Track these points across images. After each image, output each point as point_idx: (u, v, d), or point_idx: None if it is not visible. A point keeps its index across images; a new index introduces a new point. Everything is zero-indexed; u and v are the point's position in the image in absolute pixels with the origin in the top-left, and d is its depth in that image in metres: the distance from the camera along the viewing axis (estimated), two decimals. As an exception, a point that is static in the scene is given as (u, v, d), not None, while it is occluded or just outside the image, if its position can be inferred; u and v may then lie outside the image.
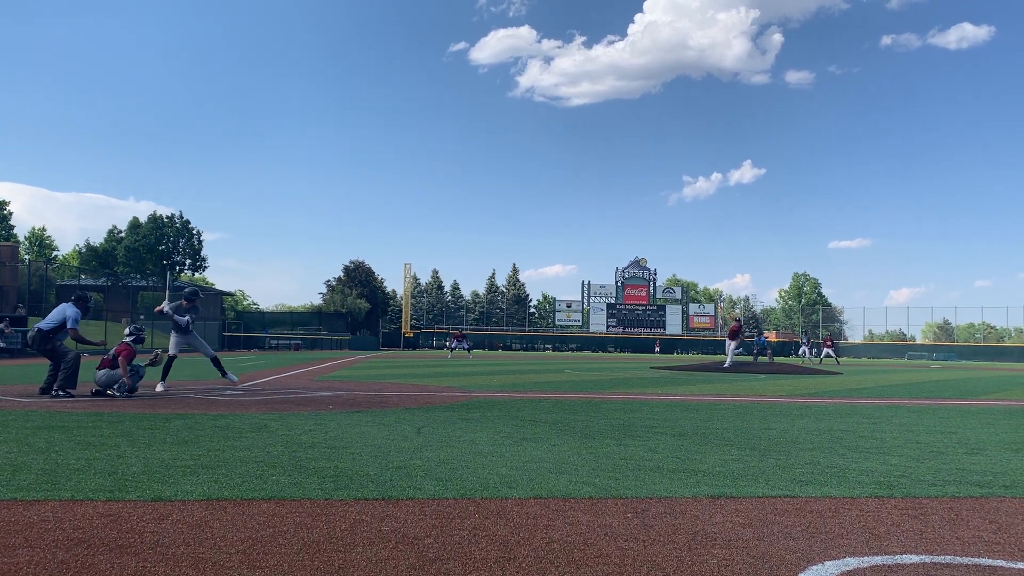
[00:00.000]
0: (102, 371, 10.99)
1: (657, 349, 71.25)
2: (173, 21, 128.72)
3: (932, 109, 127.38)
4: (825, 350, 42.59)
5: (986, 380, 21.78)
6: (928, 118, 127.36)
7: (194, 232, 70.25)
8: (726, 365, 26.25)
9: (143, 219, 69.07)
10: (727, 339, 28.79)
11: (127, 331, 11.62)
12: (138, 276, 64.40)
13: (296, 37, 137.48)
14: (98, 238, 74.30)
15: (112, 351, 11.33)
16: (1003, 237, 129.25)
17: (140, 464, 5.19)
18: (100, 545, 3.29)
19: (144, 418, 7.98)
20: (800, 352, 43.77)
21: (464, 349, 43.12)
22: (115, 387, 10.71)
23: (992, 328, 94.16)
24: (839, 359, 35.15)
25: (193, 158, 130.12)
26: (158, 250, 67.66)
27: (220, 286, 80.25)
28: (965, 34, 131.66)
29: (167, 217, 69.31)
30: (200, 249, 70.90)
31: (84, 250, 72.28)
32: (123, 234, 69.39)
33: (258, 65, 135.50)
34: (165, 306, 12.90)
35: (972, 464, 5.91)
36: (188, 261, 70.56)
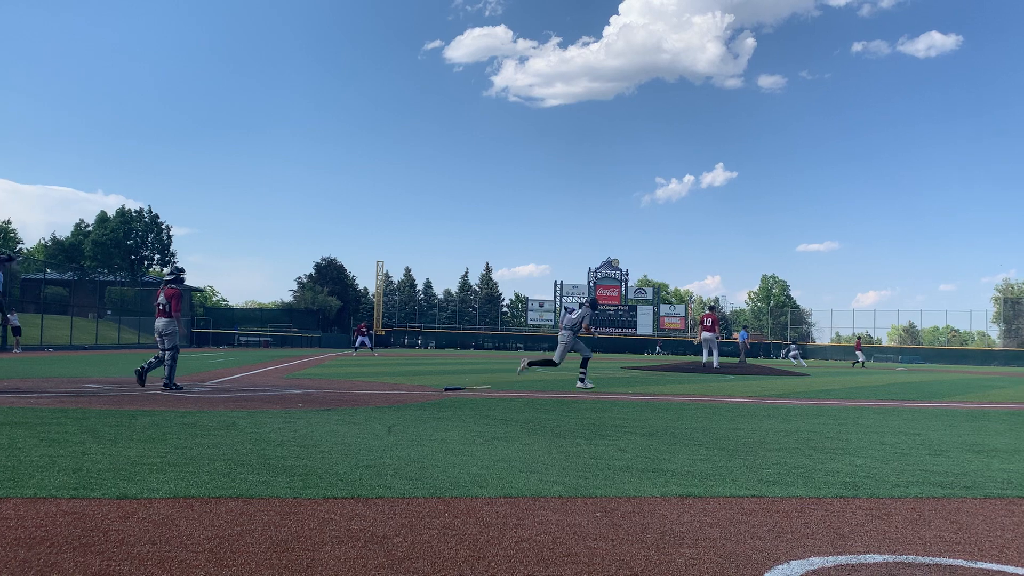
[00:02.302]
0: (160, 321, 11.60)
1: (658, 349, 71.33)
2: (144, 14, 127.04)
3: (901, 116, 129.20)
4: (743, 347, 43.28)
5: (950, 383, 22.14)
6: (897, 124, 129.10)
7: (163, 227, 69.38)
8: (716, 365, 23.74)
9: (111, 213, 68.13)
10: (703, 334, 24.96)
11: (167, 271, 12.11)
12: (105, 271, 63.47)
13: (269, 32, 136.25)
14: (65, 232, 73.05)
15: (161, 298, 11.65)
16: (968, 242, 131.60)
17: (105, 461, 5.12)
18: (63, 543, 3.25)
19: (110, 415, 7.88)
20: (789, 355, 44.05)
21: (367, 347, 39.70)
22: (156, 360, 11.40)
23: (956, 331, 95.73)
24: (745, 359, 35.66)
25: (163, 152, 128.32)
26: (126, 244, 66.71)
27: (189, 282, 79.29)
28: (934, 42, 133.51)
29: (136, 211, 68.36)
30: (169, 244, 69.98)
31: (50, 244, 71.15)
32: (90, 228, 68.31)
33: (229, 60, 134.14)
34: (578, 317, 14.56)
35: (935, 465, 6.02)
36: (157, 256, 69.62)
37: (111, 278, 61.86)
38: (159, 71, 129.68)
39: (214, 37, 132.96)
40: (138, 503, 4.00)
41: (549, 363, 14.40)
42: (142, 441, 6.08)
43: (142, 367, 11.57)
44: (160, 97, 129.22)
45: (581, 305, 15.14)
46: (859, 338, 48.63)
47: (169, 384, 11.45)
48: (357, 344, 39.66)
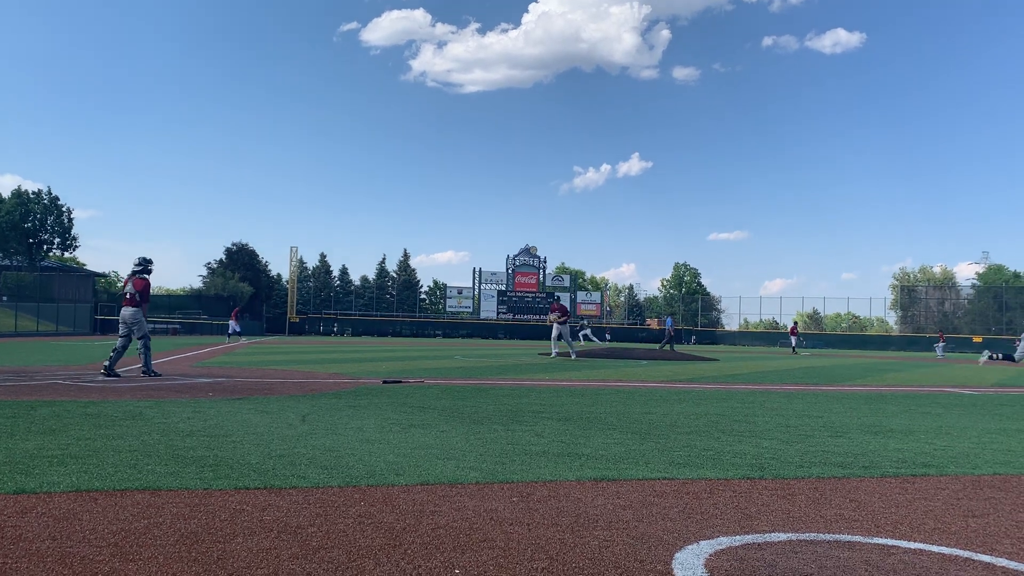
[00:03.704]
0: (127, 310, 11.85)
1: (607, 336, 71.74)
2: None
3: (808, 109, 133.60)
4: (583, 332, 44.76)
5: (851, 367, 23.13)
6: (804, 118, 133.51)
7: (64, 209, 66.25)
8: (572, 355, 23.00)
9: (6, 194, 64.58)
10: (555, 324, 23.80)
11: (136, 261, 12.07)
12: (0, 255, 60.34)
13: (177, 7, 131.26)
14: (-47, 213, 68.89)
15: (128, 287, 11.85)
16: (868, 233, 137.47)
17: (1, 455, 4.89)
18: (-45, 542, 3.09)
19: (6, 405, 7.52)
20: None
21: (235, 332, 37.13)
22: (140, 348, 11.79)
23: (857, 318, 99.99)
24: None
25: (63, 130, 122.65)
26: (23, 228, 63.36)
27: (92, 267, 76.23)
28: (839, 39, 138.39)
29: (33, 192, 65.02)
30: (71, 227, 66.80)
31: (-63, 226, 67.07)
32: (-17, 209, 64.68)
33: (136, 35, 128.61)
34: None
35: (836, 446, 6.28)
36: (57, 240, 66.46)
37: (7, 263, 58.86)
38: (58, 44, 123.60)
39: (119, 12, 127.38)
40: (37, 498, 3.84)
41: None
42: (41, 433, 5.83)
43: (108, 365, 11.71)
44: (61, 72, 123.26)
45: None
46: (795, 324, 50.25)
47: (148, 371, 11.92)
48: (232, 330, 37.65)
